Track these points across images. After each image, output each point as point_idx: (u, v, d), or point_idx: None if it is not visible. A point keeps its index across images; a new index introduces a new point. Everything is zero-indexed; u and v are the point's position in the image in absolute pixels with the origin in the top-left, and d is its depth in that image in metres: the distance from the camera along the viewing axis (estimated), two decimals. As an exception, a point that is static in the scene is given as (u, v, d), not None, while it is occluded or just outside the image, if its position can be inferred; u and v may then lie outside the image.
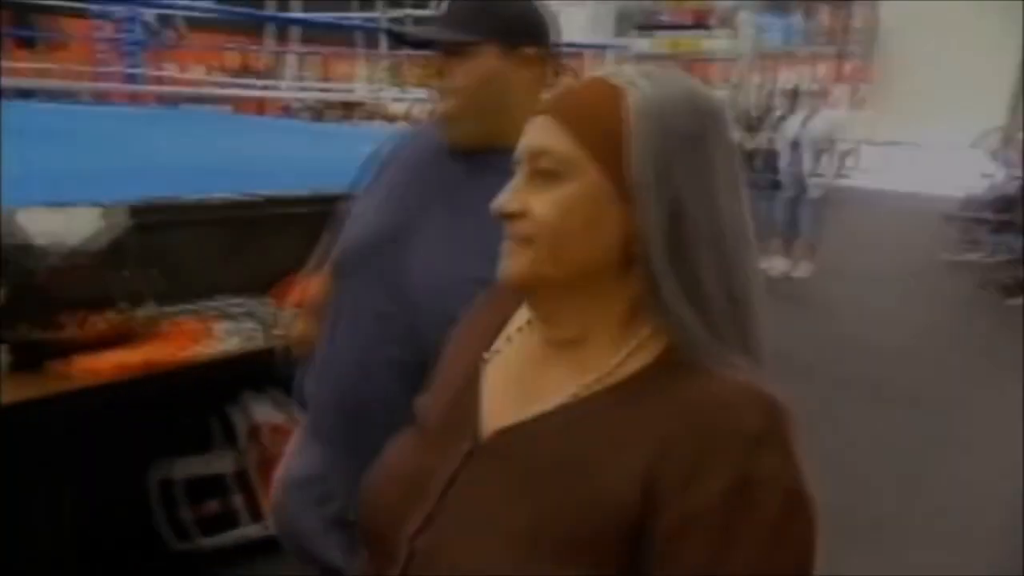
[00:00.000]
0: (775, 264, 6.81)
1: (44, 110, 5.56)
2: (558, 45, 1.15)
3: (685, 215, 0.61)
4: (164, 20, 7.33)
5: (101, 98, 6.80)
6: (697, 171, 0.62)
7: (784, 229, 6.83)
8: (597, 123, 0.63)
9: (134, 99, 6.87)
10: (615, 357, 0.64)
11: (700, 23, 11.25)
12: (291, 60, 9.72)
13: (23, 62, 6.17)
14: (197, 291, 2.23)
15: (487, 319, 0.78)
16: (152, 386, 1.90)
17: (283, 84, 9.03)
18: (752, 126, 6.40)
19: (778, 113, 7.33)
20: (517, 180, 0.66)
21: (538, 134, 0.65)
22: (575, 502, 0.59)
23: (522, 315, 0.73)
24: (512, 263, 0.65)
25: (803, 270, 6.73)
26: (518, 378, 0.70)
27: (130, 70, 6.80)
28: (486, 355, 0.73)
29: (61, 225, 1.89)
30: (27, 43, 6.24)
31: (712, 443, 0.57)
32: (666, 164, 0.61)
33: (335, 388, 1.12)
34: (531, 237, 0.64)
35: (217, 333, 2.03)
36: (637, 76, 0.65)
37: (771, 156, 6.95)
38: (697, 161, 0.62)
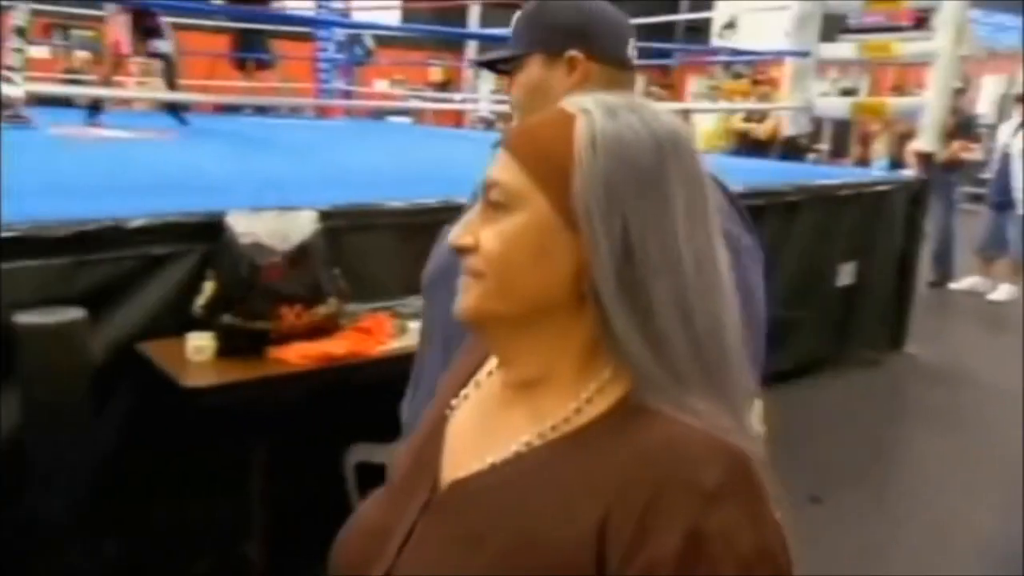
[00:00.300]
0: (968, 283, 6.26)
1: (261, 124, 6.18)
2: (604, 45, 1.12)
3: (636, 248, 0.58)
4: (357, 39, 7.91)
5: (320, 113, 7.49)
6: (651, 203, 0.59)
7: (985, 247, 6.24)
8: (545, 153, 0.62)
9: (347, 113, 7.49)
10: (573, 402, 0.61)
11: (918, 24, 10.37)
12: (485, 75, 10.19)
13: (242, 81, 6.88)
14: (392, 290, 2.41)
15: (467, 364, 0.76)
16: (347, 376, 2.09)
17: (472, 97, 9.48)
18: (954, 134, 5.86)
19: (986, 121, 6.69)
20: (472, 213, 0.65)
21: (493, 166, 0.65)
22: (525, 559, 0.57)
23: (495, 359, 0.71)
24: (464, 298, 0.64)
25: (1004, 293, 6.12)
26: (479, 424, 0.68)
27: (333, 86, 7.41)
28: (454, 402, 0.72)
29: (271, 226, 2.11)
30: (244, 64, 6.97)
31: (664, 498, 0.54)
32: (615, 195, 0.59)
33: (425, 402, 1.19)
34: (481, 271, 0.63)
35: (410, 330, 2.18)
36: (594, 105, 0.63)
37: (978, 168, 6.37)
38: (651, 193, 0.59)
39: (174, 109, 5.61)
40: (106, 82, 5.31)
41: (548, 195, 0.61)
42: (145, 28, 5.17)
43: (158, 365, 1.97)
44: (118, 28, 5.07)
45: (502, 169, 0.63)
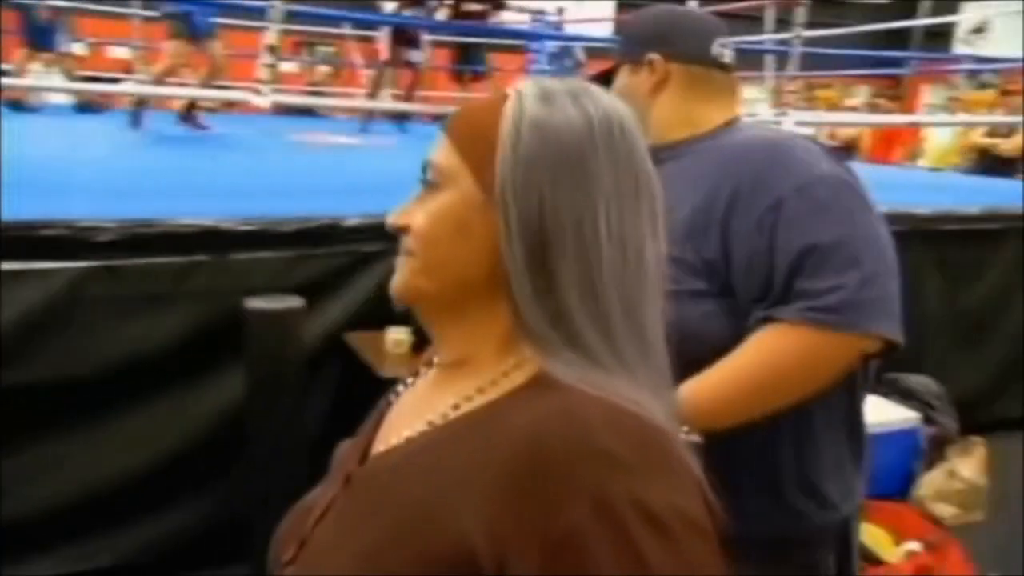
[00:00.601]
0: None
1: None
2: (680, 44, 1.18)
3: (550, 228, 0.58)
4: (567, 51, 8.08)
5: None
6: (571, 185, 0.59)
7: None
8: (475, 133, 0.62)
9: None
10: (490, 376, 0.61)
11: None
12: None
13: (454, 92, 7.30)
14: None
15: (425, 356, 0.76)
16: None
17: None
18: None
19: None
20: (411, 195, 0.66)
21: (432, 148, 0.65)
22: (416, 535, 0.55)
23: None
24: (396, 277, 0.66)
25: None
26: (411, 404, 0.69)
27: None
28: (400, 388, 0.73)
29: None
30: (458, 76, 7.37)
31: (564, 465, 0.52)
32: (533, 174, 0.59)
33: None
34: (412, 249, 0.64)
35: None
36: (530, 87, 0.63)
37: None
38: (572, 175, 0.59)
39: (403, 119, 6.00)
40: (372, 96, 5.82)
41: (474, 174, 0.62)
42: (406, 38, 5.64)
43: (361, 354, 2.14)
44: (382, 37, 5.59)
45: (438, 150, 0.65)
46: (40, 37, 5.91)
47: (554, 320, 0.58)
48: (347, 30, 8.14)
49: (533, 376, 0.59)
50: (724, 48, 1.19)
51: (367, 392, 2.14)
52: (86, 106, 6.12)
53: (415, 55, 5.77)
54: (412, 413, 0.66)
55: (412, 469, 0.60)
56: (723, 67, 1.19)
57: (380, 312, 2.22)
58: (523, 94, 0.62)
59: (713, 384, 1.02)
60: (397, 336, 2.12)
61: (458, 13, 6.32)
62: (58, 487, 2.01)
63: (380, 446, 0.67)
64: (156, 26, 5.93)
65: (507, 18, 7.90)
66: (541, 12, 8.41)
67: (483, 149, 0.61)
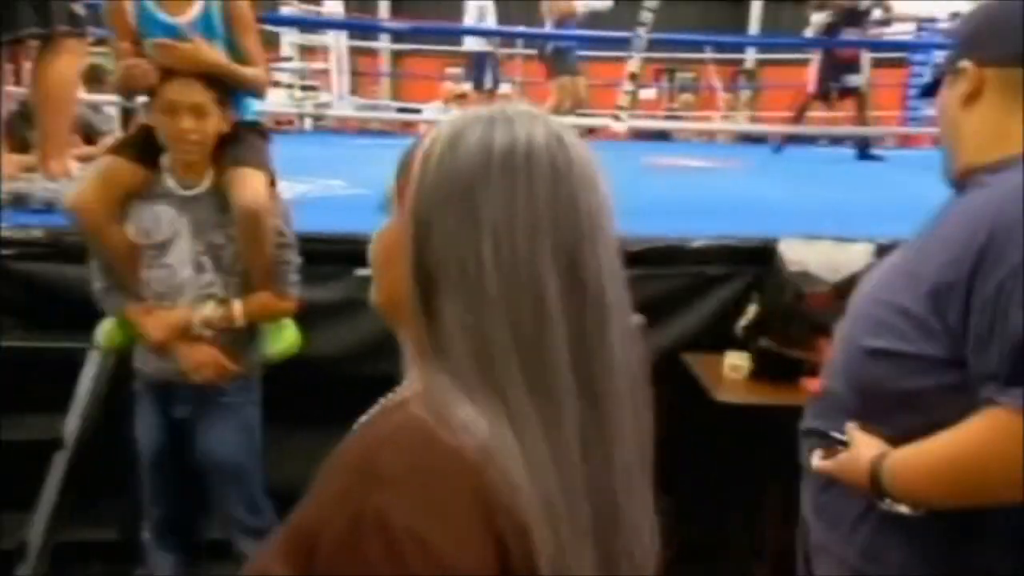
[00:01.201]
0: None
1: (832, 154, 6.09)
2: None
3: (436, 261, 0.60)
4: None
5: (903, 142, 7.06)
6: (459, 218, 0.60)
7: None
8: (405, 164, 0.65)
9: (936, 143, 6.92)
10: (403, 388, 0.65)
11: None
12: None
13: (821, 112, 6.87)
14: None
15: None
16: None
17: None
18: None
19: None
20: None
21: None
22: (301, 523, 0.61)
23: None
24: None
25: None
26: None
27: (921, 114, 6.87)
28: None
29: (823, 256, 2.08)
30: (825, 95, 6.91)
31: (345, 481, 0.57)
32: (426, 207, 0.61)
33: None
34: None
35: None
36: (457, 116, 0.64)
37: None
38: (461, 208, 0.60)
39: (865, 145, 5.58)
40: (796, 120, 5.70)
41: (400, 204, 0.64)
42: (841, 64, 5.30)
43: (698, 376, 2.12)
44: (811, 68, 5.34)
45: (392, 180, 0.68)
46: (478, 78, 6.94)
47: (436, 348, 0.60)
48: (707, 54, 8.16)
49: (414, 394, 0.62)
50: None
51: (700, 414, 2.13)
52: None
53: (853, 79, 5.37)
54: None
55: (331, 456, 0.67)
56: None
57: (718, 335, 2.19)
58: (444, 123, 0.65)
59: (919, 461, 0.95)
60: (735, 361, 2.07)
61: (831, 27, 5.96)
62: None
63: None
64: (533, 64, 6.55)
65: (889, 29, 7.25)
66: (931, 19, 7.56)
67: (404, 181, 0.64)
